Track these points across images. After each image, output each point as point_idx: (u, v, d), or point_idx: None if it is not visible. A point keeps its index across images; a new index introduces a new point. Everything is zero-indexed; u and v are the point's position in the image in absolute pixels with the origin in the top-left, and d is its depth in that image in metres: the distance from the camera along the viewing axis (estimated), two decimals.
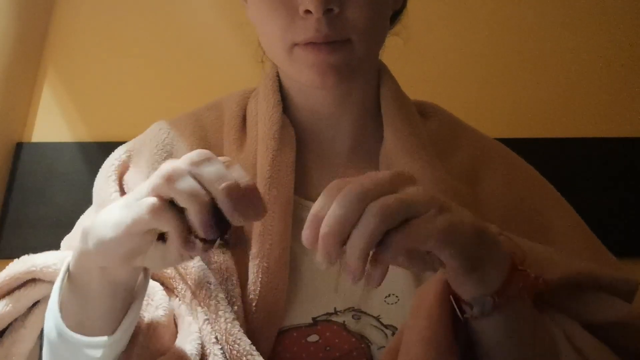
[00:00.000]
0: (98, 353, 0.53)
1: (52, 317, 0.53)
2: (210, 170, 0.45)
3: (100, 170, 0.71)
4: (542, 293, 0.55)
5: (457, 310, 0.51)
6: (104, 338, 0.52)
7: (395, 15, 0.72)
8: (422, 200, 0.43)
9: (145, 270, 0.55)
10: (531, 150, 0.83)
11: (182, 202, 0.45)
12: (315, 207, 0.44)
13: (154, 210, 0.45)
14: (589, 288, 0.58)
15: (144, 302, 0.58)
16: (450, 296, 0.51)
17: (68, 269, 0.53)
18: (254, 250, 0.62)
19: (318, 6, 0.58)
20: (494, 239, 0.48)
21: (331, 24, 0.59)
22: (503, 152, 0.75)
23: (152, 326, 0.57)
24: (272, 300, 0.60)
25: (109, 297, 0.52)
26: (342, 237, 0.42)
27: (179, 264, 0.51)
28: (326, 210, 0.43)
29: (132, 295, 0.54)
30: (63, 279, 0.53)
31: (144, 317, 0.58)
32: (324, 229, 0.42)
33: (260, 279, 0.60)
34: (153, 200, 0.45)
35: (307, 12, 0.59)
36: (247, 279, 0.61)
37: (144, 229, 0.46)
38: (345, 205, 0.42)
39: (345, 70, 0.62)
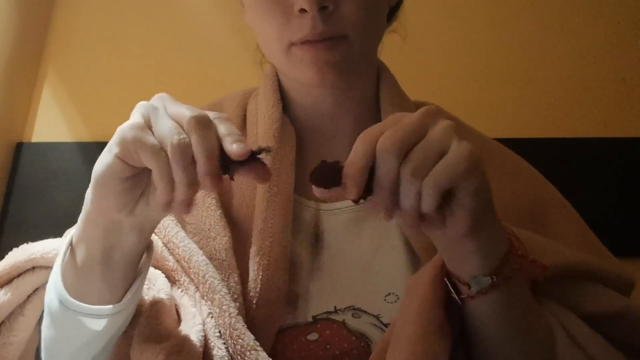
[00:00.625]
0: (100, 325, 0.53)
1: (54, 288, 0.53)
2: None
3: None
4: (539, 282, 0.55)
5: (453, 291, 0.51)
6: (108, 307, 0.52)
7: (392, 12, 0.72)
8: (446, 138, 0.44)
9: (149, 248, 0.55)
10: (531, 150, 0.83)
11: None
12: (353, 157, 0.44)
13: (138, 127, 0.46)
14: (586, 279, 0.58)
15: (146, 286, 0.58)
16: (445, 278, 0.51)
17: (71, 243, 0.54)
18: (254, 247, 0.62)
19: (312, 4, 0.58)
20: (495, 210, 0.48)
21: (326, 21, 0.59)
22: (503, 151, 0.75)
23: (154, 308, 0.57)
24: (273, 297, 0.60)
25: (111, 269, 0.52)
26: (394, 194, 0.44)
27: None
28: (363, 161, 0.43)
29: (134, 273, 0.54)
30: (66, 252, 0.54)
31: (146, 299, 0.58)
32: (377, 192, 0.43)
33: (260, 277, 0.60)
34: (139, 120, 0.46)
35: (302, 10, 0.59)
36: (247, 277, 0.61)
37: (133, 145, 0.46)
38: (385, 161, 0.43)
39: (344, 66, 0.62)
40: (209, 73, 1.13)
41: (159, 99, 0.49)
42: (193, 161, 0.45)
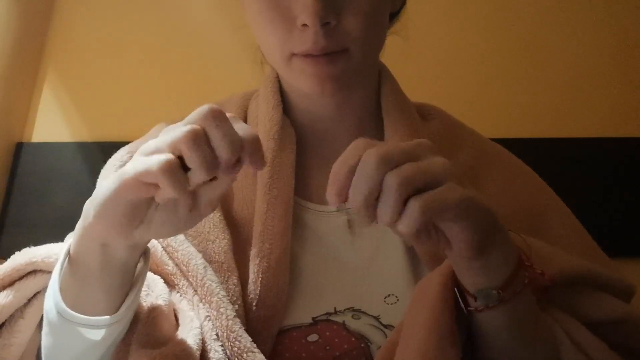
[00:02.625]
0: (98, 335, 0.53)
1: (52, 297, 0.53)
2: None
3: (102, 171, 0.72)
4: (541, 289, 0.55)
5: (461, 302, 0.51)
6: (105, 317, 0.52)
7: (394, 15, 0.72)
8: (442, 171, 0.44)
9: (145, 256, 0.55)
10: (531, 150, 0.83)
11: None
12: (338, 163, 0.44)
13: (165, 165, 0.44)
14: (587, 286, 0.58)
15: (144, 292, 0.59)
16: (455, 288, 0.51)
17: (69, 252, 0.54)
18: (254, 250, 0.62)
19: (315, 20, 0.58)
20: (503, 228, 0.48)
21: (328, 36, 0.59)
22: (503, 154, 0.75)
23: (152, 315, 0.57)
24: (273, 299, 0.60)
25: (108, 279, 0.52)
26: (370, 202, 0.43)
27: (187, 227, 0.51)
28: (346, 167, 0.44)
29: (132, 281, 0.54)
30: (64, 261, 0.54)
31: (144, 306, 0.58)
32: (352, 196, 0.43)
33: (260, 279, 0.60)
34: (166, 156, 0.45)
35: (305, 25, 0.59)
36: (247, 279, 0.61)
37: (150, 179, 0.45)
38: (367, 174, 0.43)
39: (344, 78, 0.62)
40: (209, 73, 1.13)
41: (157, 130, 0.49)
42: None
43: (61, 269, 0.53)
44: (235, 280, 0.61)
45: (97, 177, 0.93)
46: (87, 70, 1.14)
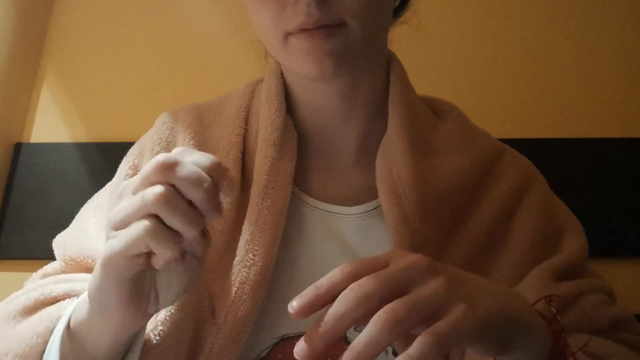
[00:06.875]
0: None
1: None
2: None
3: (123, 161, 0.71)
4: None
5: None
6: None
7: (403, 2, 0.69)
8: (440, 299, 0.40)
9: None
10: (531, 150, 0.82)
11: (186, 189, 0.42)
12: (320, 283, 0.42)
13: (151, 231, 0.42)
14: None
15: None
16: None
17: (69, 321, 0.52)
18: (237, 258, 0.60)
19: None
20: (527, 320, 0.45)
21: (323, 7, 0.55)
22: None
23: None
24: (242, 314, 0.58)
25: (110, 345, 0.51)
26: (337, 336, 0.40)
27: (194, 275, 0.48)
28: (325, 289, 0.42)
29: (132, 338, 0.53)
30: (64, 332, 0.52)
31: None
32: (323, 326, 0.41)
33: (235, 289, 0.58)
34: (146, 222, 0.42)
35: None
36: (226, 286, 0.59)
37: (139, 250, 0.43)
38: (350, 302, 0.40)
39: (344, 56, 0.58)
40: (208, 73, 1.13)
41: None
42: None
43: (62, 336, 0.52)
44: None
45: (96, 178, 0.92)
46: (86, 71, 1.14)
